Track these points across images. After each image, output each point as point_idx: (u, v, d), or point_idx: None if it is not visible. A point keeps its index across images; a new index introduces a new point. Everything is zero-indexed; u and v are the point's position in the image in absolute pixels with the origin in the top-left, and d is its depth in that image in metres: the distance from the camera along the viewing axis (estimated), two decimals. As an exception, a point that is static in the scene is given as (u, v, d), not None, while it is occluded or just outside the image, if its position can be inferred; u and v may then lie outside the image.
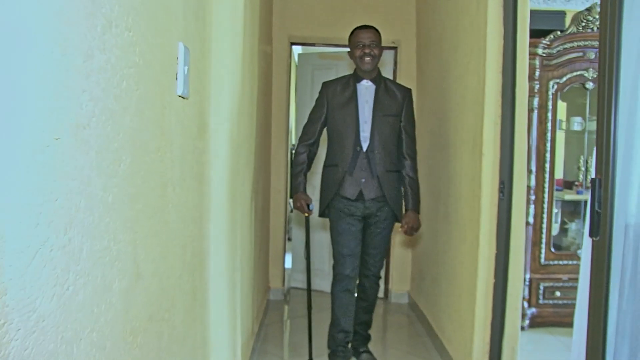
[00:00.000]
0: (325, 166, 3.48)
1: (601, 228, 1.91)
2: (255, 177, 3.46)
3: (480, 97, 2.95)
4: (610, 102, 1.91)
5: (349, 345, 3.49)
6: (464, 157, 3.26)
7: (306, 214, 3.42)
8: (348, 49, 3.43)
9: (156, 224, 1.35)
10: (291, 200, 3.41)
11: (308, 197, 3.38)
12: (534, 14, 4.30)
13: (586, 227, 2.08)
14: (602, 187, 1.91)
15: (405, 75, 4.94)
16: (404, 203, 3.44)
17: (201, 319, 1.91)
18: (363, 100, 3.36)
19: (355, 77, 3.41)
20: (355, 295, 3.48)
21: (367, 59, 3.30)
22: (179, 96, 1.54)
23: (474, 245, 3.01)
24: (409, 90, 3.47)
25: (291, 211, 3.35)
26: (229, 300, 2.51)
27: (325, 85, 3.49)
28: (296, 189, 3.39)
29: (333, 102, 3.39)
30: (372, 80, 3.37)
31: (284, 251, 5.13)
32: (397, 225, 3.49)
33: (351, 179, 3.31)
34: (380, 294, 4.52)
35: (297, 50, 6.33)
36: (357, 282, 3.49)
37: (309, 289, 3.50)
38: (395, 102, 3.37)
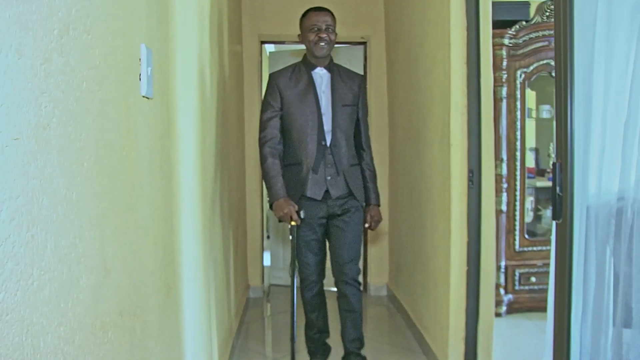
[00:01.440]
0: (285, 166, 3.13)
1: (563, 211, 1.97)
2: (227, 175, 3.49)
3: (446, 89, 3.01)
4: (567, 90, 1.97)
5: (327, 341, 3.41)
6: (433, 148, 3.32)
7: (293, 223, 2.98)
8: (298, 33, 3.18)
9: (124, 222, 1.37)
10: (270, 210, 3.14)
11: (293, 203, 2.99)
12: (499, 5, 4.40)
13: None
14: (562, 171, 1.97)
15: (375, 70, 5.00)
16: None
17: (176, 316, 1.93)
18: (320, 90, 3.10)
19: (308, 65, 3.13)
20: (338, 305, 3.24)
21: (322, 44, 3.04)
22: (144, 97, 1.57)
23: (446, 234, 3.07)
24: (363, 76, 3.34)
25: (270, 207, 3.05)
26: (204, 297, 2.54)
27: (273, 76, 3.16)
28: (276, 195, 2.99)
29: (287, 94, 3.08)
30: (327, 68, 3.13)
31: (262, 249, 5.17)
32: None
33: (316, 177, 3.05)
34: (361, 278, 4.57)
35: (269, 48, 6.35)
36: (337, 293, 3.22)
37: (292, 310, 3.04)
38: (352, 91, 3.15)
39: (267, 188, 3.05)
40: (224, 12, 3.60)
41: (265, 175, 3.06)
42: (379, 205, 3.25)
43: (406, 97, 4.17)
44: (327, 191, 3.07)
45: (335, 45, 5.12)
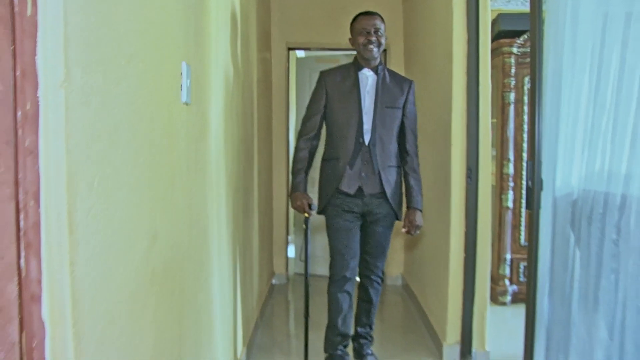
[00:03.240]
0: (324, 159, 3.29)
1: (531, 202, 2.33)
2: (255, 172, 3.90)
3: (449, 95, 3.36)
4: (535, 104, 2.33)
5: (346, 348, 3.34)
6: (439, 147, 3.68)
7: (306, 215, 3.19)
8: (349, 37, 3.27)
9: (167, 205, 1.77)
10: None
11: (308, 196, 3.17)
12: (509, 16, 4.73)
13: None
14: (532, 169, 2.33)
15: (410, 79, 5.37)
16: (404, 200, 3.29)
17: (206, 288, 2.34)
18: (364, 90, 3.18)
19: (356, 66, 3.22)
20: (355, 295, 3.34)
21: (371, 46, 3.13)
22: (183, 103, 1.97)
23: (446, 225, 3.43)
24: (412, 82, 3.33)
25: (289, 196, 3.18)
26: (231, 276, 2.95)
27: (323, 74, 3.27)
28: (296, 187, 3.17)
29: (333, 92, 3.19)
30: (374, 70, 3.20)
31: (287, 241, 5.58)
32: (399, 224, 3.40)
33: (351, 173, 3.13)
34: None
35: (298, 54, 6.75)
36: (359, 283, 3.37)
37: (306, 296, 3.25)
38: (398, 94, 3.21)
39: (292, 178, 3.23)
40: (253, 24, 4.01)
41: (293, 166, 3.23)
42: (420, 210, 3.23)
43: (420, 102, 4.51)
44: (361, 187, 3.14)
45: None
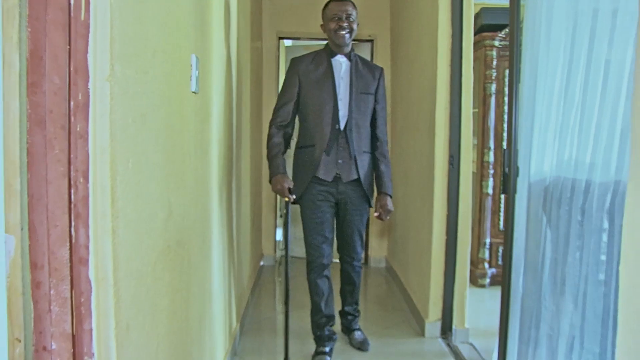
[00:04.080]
0: (298, 147, 3.29)
1: (507, 187, 2.54)
2: (249, 156, 4.08)
3: (433, 86, 3.57)
4: (512, 95, 2.54)
5: (332, 327, 3.45)
6: (423, 136, 3.89)
7: (286, 199, 3.13)
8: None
9: (179, 182, 1.96)
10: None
11: (289, 179, 3.12)
12: (492, 10, 4.93)
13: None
14: (508, 156, 2.54)
15: (381, 66, 5.54)
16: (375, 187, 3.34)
17: (208, 259, 2.53)
18: (338, 76, 3.19)
19: (329, 52, 3.23)
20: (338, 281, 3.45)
21: (342, 32, 3.14)
22: (192, 92, 2.15)
23: (429, 209, 3.64)
24: (382, 69, 3.37)
25: (270, 182, 3.23)
26: (227, 252, 3.15)
27: (295, 61, 3.26)
28: (275, 170, 3.13)
29: (307, 78, 3.18)
30: (347, 56, 3.23)
31: (275, 226, 5.79)
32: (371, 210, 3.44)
33: (328, 159, 3.14)
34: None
35: (286, 43, 6.91)
36: (340, 268, 3.48)
37: (286, 284, 3.23)
38: (370, 80, 3.24)
39: (269, 165, 3.18)
40: (247, 15, 4.17)
41: (268, 153, 3.19)
42: (390, 196, 3.30)
43: (405, 92, 4.73)
44: (338, 175, 3.17)
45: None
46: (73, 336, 1.25)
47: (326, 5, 3.23)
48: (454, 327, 3.61)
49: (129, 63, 1.38)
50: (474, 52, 5.03)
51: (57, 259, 1.23)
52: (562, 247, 2.22)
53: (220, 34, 2.86)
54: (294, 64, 3.25)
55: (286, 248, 3.31)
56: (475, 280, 4.86)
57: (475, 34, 4.91)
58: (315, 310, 3.36)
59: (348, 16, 3.15)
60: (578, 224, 2.08)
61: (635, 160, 1.35)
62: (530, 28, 2.54)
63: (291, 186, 3.11)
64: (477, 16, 4.93)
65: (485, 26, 4.75)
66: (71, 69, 1.20)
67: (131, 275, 1.40)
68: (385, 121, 3.39)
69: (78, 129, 1.22)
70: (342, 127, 3.16)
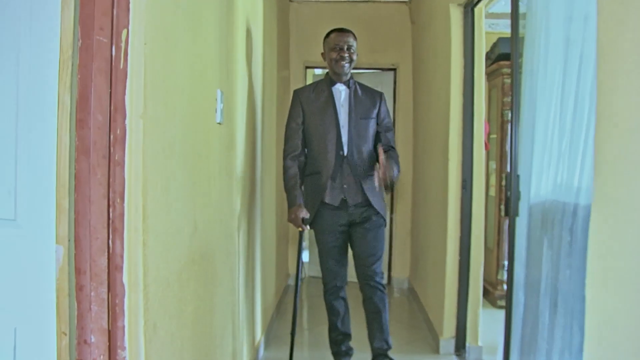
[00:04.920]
0: (306, 175, 3.35)
1: (510, 209, 2.72)
2: (275, 179, 4.34)
3: (447, 114, 3.77)
4: (513, 125, 2.73)
5: (349, 343, 3.51)
6: (438, 160, 4.09)
7: (300, 229, 3.22)
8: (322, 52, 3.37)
9: (204, 201, 2.20)
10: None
11: (304, 210, 3.18)
12: (509, 39, 5.10)
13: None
14: (510, 181, 2.73)
15: (403, 93, 5.78)
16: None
17: (232, 275, 2.77)
18: (339, 103, 3.28)
19: (329, 81, 3.32)
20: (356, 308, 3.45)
21: (343, 62, 3.22)
22: (218, 123, 2.41)
23: (444, 230, 3.83)
24: (382, 94, 3.43)
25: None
26: (251, 271, 3.38)
27: (297, 92, 3.39)
28: (292, 202, 3.21)
29: (309, 108, 3.28)
30: (346, 84, 3.30)
31: (301, 246, 5.99)
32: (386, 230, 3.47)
33: (334, 184, 3.22)
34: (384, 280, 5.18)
35: (316, 71, 7.19)
36: (362, 297, 3.37)
37: (295, 305, 3.32)
38: (370, 106, 3.31)
39: (287, 196, 3.27)
40: (274, 45, 4.46)
41: (285, 185, 3.28)
42: (397, 170, 3.23)
43: (424, 119, 4.95)
44: (344, 199, 3.24)
45: (369, 71, 5.98)
46: (109, 331, 1.49)
47: (328, 35, 3.33)
48: (467, 344, 3.76)
49: (159, 102, 1.64)
50: (493, 79, 5.25)
51: (97, 266, 1.48)
52: (555, 266, 2.39)
53: (245, 67, 3.12)
54: (296, 94, 3.38)
55: (296, 283, 3.33)
56: (494, 301, 4.97)
57: (493, 62, 5.13)
58: (333, 328, 3.48)
59: (349, 47, 3.24)
60: (567, 244, 2.25)
61: (598, 184, 1.54)
62: (529, 61, 2.72)
63: (306, 217, 3.17)
64: (494, 45, 5.14)
65: (503, 55, 4.94)
66: (112, 108, 1.46)
67: (159, 282, 1.65)
68: (394, 133, 3.46)
69: (116, 158, 1.47)
70: (345, 153, 3.24)
